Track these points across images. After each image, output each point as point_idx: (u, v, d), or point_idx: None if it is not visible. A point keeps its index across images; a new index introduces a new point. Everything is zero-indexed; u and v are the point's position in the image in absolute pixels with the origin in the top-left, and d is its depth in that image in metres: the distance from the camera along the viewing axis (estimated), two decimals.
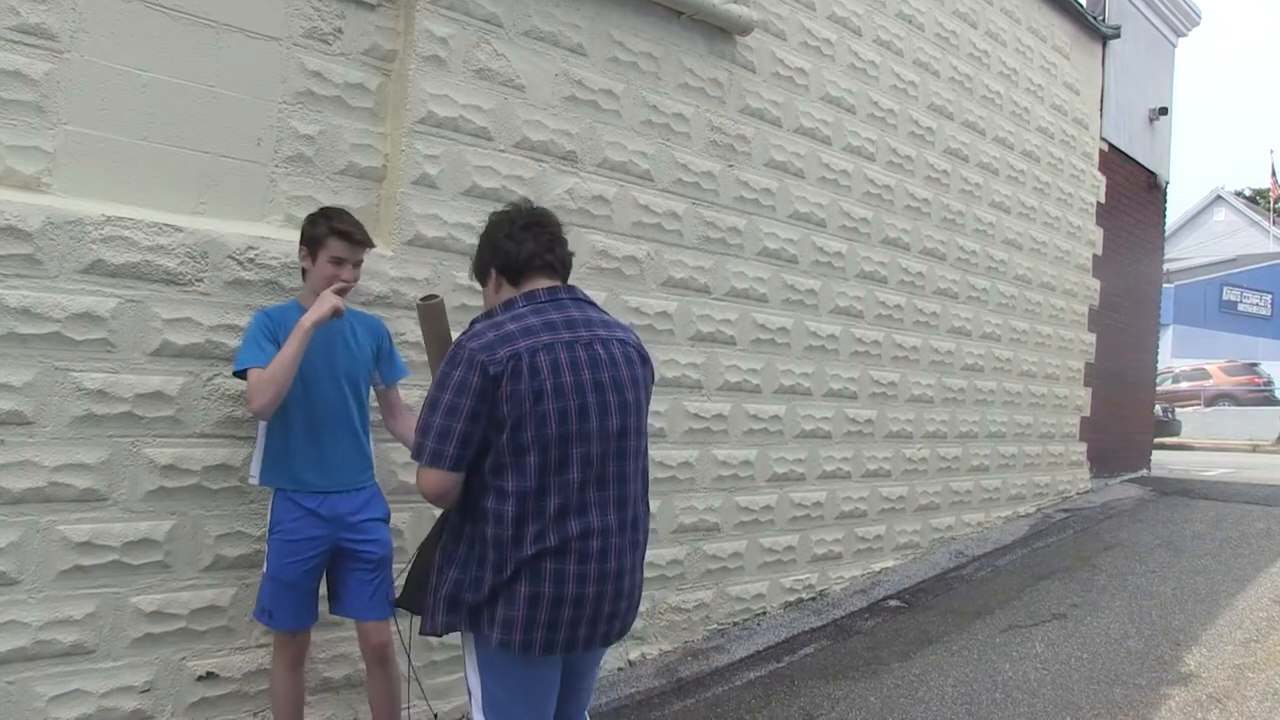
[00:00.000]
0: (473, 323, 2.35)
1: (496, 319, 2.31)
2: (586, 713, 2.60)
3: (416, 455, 2.26)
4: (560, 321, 2.31)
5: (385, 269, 3.64)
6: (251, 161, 3.40)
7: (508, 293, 2.41)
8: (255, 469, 3.11)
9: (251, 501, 3.30)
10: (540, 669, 2.31)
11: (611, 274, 4.49)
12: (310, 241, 3.06)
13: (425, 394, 2.41)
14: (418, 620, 2.44)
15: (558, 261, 2.45)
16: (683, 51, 4.81)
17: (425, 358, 2.91)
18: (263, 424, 3.05)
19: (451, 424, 2.19)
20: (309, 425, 3.04)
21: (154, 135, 3.18)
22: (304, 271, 3.14)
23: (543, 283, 2.41)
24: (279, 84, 3.45)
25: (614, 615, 2.33)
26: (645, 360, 2.47)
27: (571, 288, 2.45)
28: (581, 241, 4.35)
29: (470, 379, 2.18)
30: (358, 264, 3.12)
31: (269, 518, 3.07)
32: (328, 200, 3.58)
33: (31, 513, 2.87)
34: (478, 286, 2.59)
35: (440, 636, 2.38)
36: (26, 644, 2.85)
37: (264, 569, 3.07)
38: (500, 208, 2.57)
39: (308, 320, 2.89)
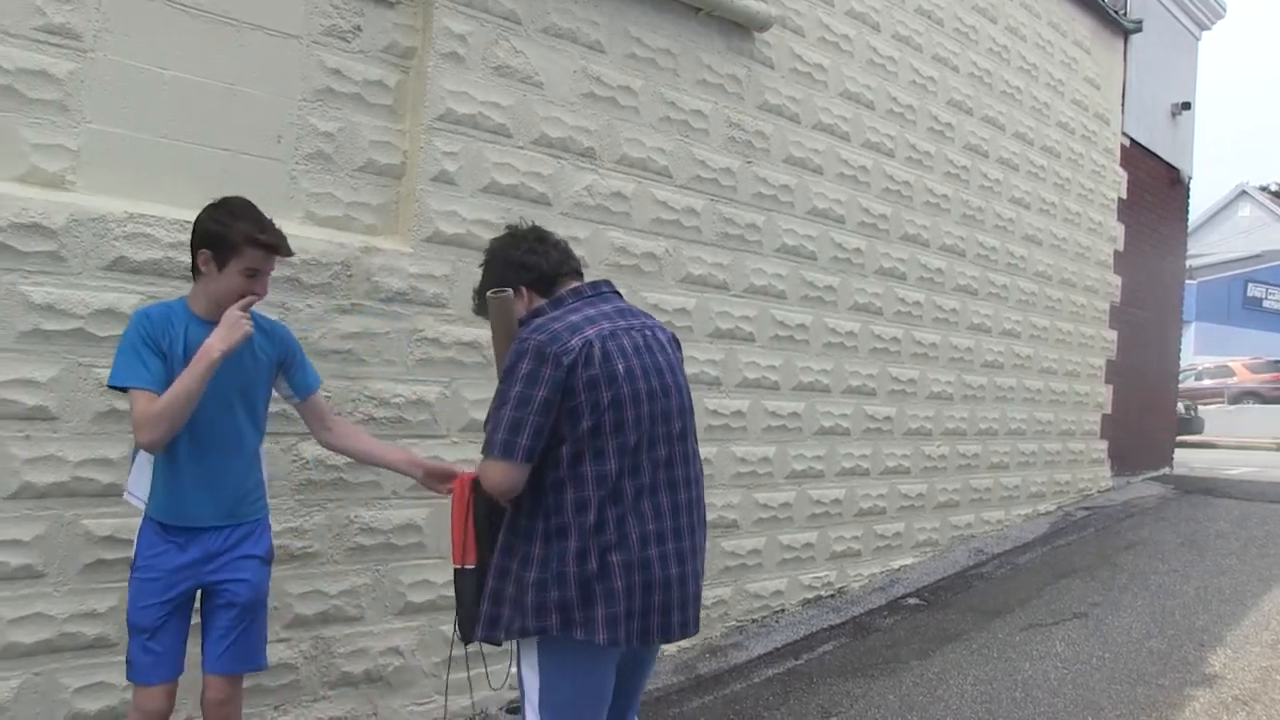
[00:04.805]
0: (525, 321, 2.36)
1: (553, 314, 2.33)
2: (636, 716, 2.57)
3: (487, 449, 2.23)
4: (612, 311, 2.38)
5: (404, 265, 3.65)
6: (271, 159, 3.42)
7: (538, 302, 2.44)
8: (141, 490, 2.62)
9: (272, 497, 3.32)
10: (609, 663, 2.31)
11: (630, 271, 4.49)
12: (217, 244, 2.55)
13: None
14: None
15: (579, 265, 2.54)
16: (701, 48, 4.80)
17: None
18: None
19: (524, 415, 2.17)
20: (194, 450, 2.57)
21: (175, 133, 3.20)
22: (194, 270, 2.62)
23: (573, 284, 2.46)
24: (299, 81, 3.47)
25: (696, 597, 2.38)
26: (677, 343, 2.54)
27: (606, 283, 2.52)
28: (600, 238, 4.35)
29: (542, 370, 2.18)
30: (269, 272, 2.69)
31: (134, 555, 2.63)
32: (347, 197, 3.60)
33: (56, 507, 2.90)
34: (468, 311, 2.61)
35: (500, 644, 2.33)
36: (52, 636, 2.89)
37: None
38: (497, 234, 2.63)
39: (217, 349, 2.45)
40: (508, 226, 2.62)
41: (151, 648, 2.57)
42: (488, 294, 2.43)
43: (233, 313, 2.50)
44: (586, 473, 2.21)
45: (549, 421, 2.19)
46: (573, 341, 2.22)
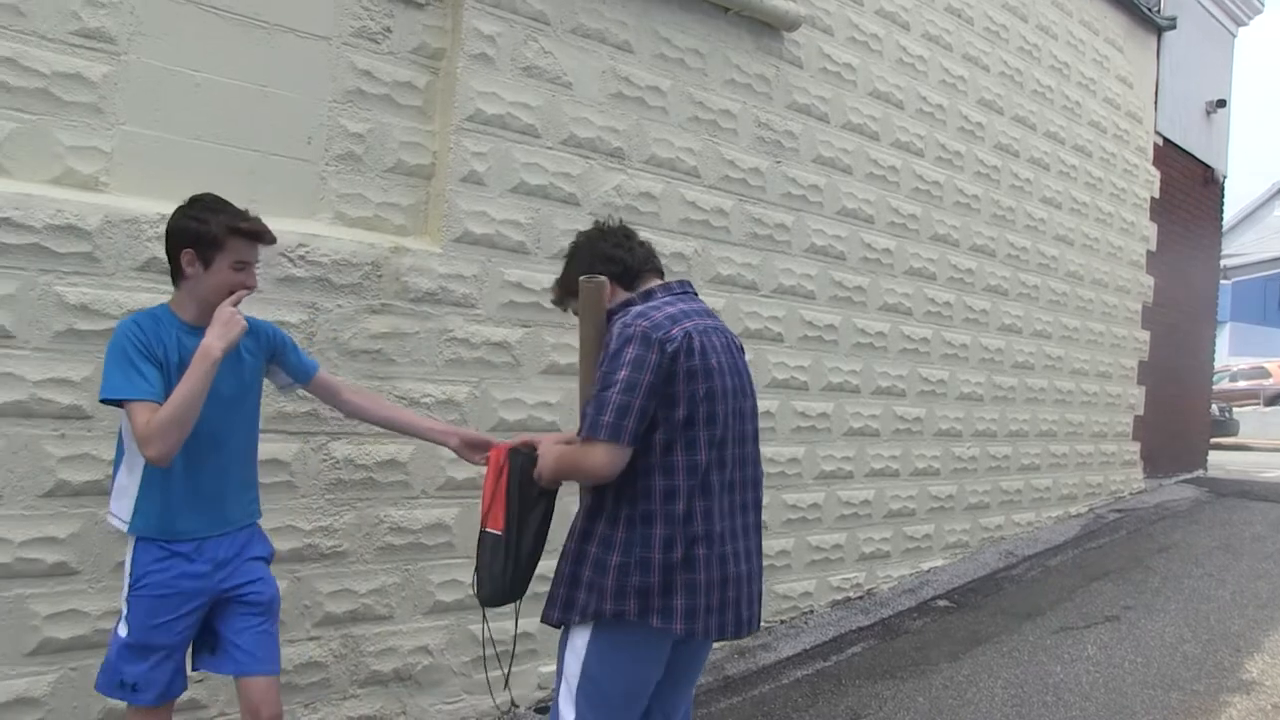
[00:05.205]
0: (621, 310, 2.37)
1: (651, 304, 2.37)
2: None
3: (592, 431, 2.21)
4: (699, 310, 2.44)
5: (434, 266, 3.67)
6: (302, 160, 3.45)
7: (623, 295, 2.46)
8: (124, 511, 2.45)
9: (302, 496, 3.35)
10: (664, 656, 2.33)
11: None
12: (200, 242, 2.42)
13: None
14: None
15: (660, 264, 2.61)
16: (729, 47, 4.79)
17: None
18: (136, 458, 2.41)
19: (630, 399, 2.19)
20: (189, 460, 2.42)
21: (207, 134, 3.23)
22: (175, 274, 2.48)
23: (657, 281, 2.52)
24: (329, 83, 3.50)
25: (760, 595, 2.46)
26: (743, 351, 2.60)
27: (689, 283, 2.59)
28: None
29: (648, 355, 2.21)
30: (255, 263, 2.57)
31: (128, 571, 2.46)
32: (377, 198, 3.62)
33: (90, 505, 2.93)
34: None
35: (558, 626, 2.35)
36: (87, 632, 2.92)
37: (119, 633, 2.46)
38: (584, 229, 2.64)
39: (218, 348, 2.33)
40: (595, 222, 2.66)
41: (164, 667, 2.45)
42: (580, 279, 2.44)
43: (225, 309, 2.40)
44: (677, 462, 2.25)
45: (653, 407, 2.22)
46: (674, 331, 2.26)
